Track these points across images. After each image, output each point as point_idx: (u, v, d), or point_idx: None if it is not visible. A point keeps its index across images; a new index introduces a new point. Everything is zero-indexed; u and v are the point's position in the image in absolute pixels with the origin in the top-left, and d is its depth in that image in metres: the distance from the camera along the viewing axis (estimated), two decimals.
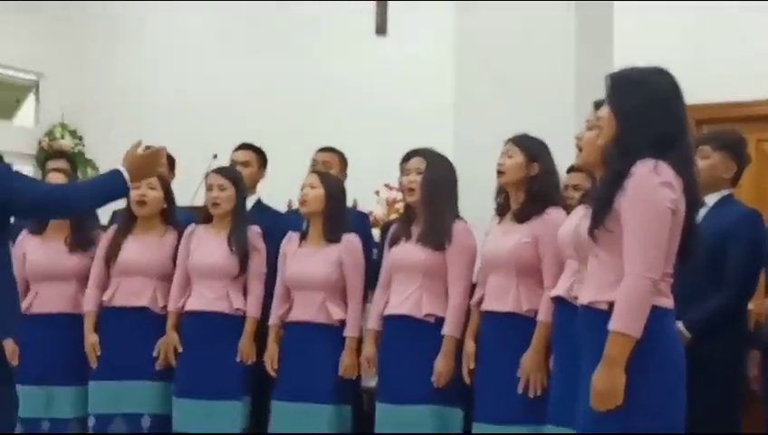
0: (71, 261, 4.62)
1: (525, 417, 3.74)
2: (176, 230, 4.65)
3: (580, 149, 3.21)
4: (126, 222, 4.64)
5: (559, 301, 3.56)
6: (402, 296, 4.13)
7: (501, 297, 3.86)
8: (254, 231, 4.57)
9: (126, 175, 3.06)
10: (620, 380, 2.65)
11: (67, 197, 2.90)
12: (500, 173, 3.94)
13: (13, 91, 8.90)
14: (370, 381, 4.63)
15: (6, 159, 8.75)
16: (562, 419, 3.42)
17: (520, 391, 3.76)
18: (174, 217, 4.70)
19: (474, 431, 3.88)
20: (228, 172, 4.64)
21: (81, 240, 4.64)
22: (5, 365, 2.91)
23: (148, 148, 3.40)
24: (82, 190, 2.93)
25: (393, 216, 5.91)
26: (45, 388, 4.52)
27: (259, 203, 5.17)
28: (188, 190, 5.67)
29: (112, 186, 3.01)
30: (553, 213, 3.82)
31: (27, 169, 8.46)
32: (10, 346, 3.30)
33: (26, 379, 4.38)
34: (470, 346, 4.00)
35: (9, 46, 8.35)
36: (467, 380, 3.96)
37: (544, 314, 3.73)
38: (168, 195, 4.68)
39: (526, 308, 3.82)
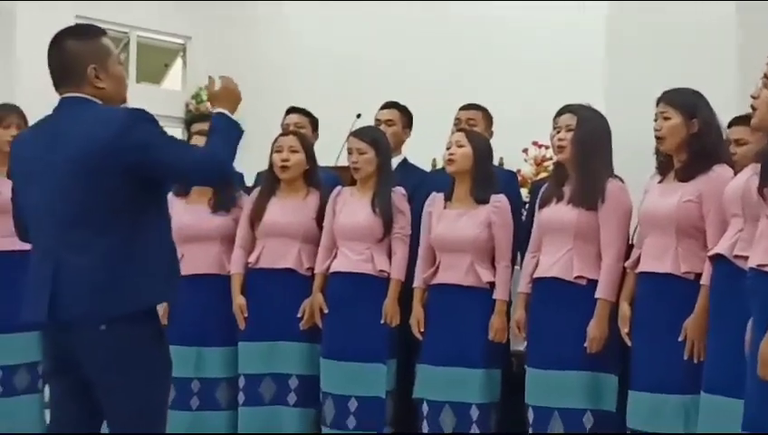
0: (214, 222, 4.64)
1: (685, 385, 3.55)
2: (318, 191, 4.63)
3: (753, 109, 2.97)
4: (269, 184, 4.64)
5: (718, 260, 3.33)
6: (553, 258, 3.98)
7: (659, 258, 3.65)
8: (399, 193, 4.50)
9: (227, 113, 2.98)
10: None
11: (214, 160, 2.84)
12: (659, 139, 3.71)
13: (161, 56, 9.10)
14: (519, 345, 4.51)
15: None
16: (719, 386, 3.25)
17: (685, 357, 3.55)
18: (316, 179, 4.67)
19: (630, 400, 3.71)
20: (367, 135, 4.55)
21: (223, 201, 4.66)
22: (160, 327, 2.92)
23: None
24: (221, 146, 2.87)
25: (542, 174, 5.74)
26: (195, 348, 4.58)
27: (405, 162, 5.08)
28: (333, 150, 5.64)
29: (233, 128, 2.95)
30: (720, 170, 3.57)
31: (176, 131, 8.66)
32: (161, 307, 3.34)
33: (176, 339, 4.45)
34: (625, 309, 3.82)
35: (157, 12, 8.53)
36: (628, 342, 3.78)
37: (708, 277, 3.50)
38: (310, 156, 4.65)
39: (684, 270, 3.60)
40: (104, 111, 2.83)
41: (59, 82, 2.88)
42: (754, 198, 2.62)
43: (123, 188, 2.76)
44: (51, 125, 2.88)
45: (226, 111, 2.95)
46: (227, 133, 2.91)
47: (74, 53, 2.85)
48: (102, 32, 2.97)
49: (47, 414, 4.46)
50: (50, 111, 2.92)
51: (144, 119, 2.80)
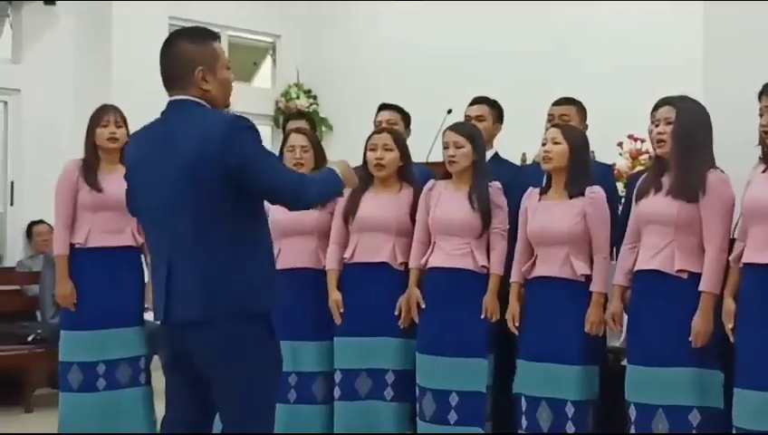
0: (310, 216, 4.66)
1: None
2: (411, 186, 4.64)
3: None
4: (364, 180, 4.64)
5: None
6: (652, 251, 3.91)
7: (763, 249, 3.56)
8: (496, 187, 4.47)
9: (341, 177, 3.07)
10: None
11: (303, 190, 2.91)
12: (767, 134, 3.61)
13: (251, 54, 9.20)
14: (616, 341, 4.44)
15: None
16: None
17: None
18: (410, 174, 4.68)
19: (736, 398, 3.62)
20: (464, 129, 4.54)
21: None
22: (270, 326, 2.97)
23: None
24: (316, 184, 2.95)
25: (638, 168, 5.63)
26: (291, 342, 4.60)
27: (496, 156, 5.05)
28: (424, 146, 5.63)
29: (336, 184, 3.03)
30: None
31: (266, 129, 8.76)
32: None
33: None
34: (730, 304, 3.73)
35: (247, 11, 8.62)
36: (732, 338, 3.69)
37: None
38: (404, 152, 4.66)
39: None
40: (210, 116, 2.89)
41: (168, 83, 2.95)
42: None
43: (227, 194, 2.82)
44: (160, 129, 2.95)
45: (339, 172, 3.05)
46: (330, 182, 3.02)
47: (185, 54, 2.91)
48: (214, 36, 3.04)
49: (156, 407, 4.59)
50: (143, 110, 3.00)
51: (247, 127, 2.86)
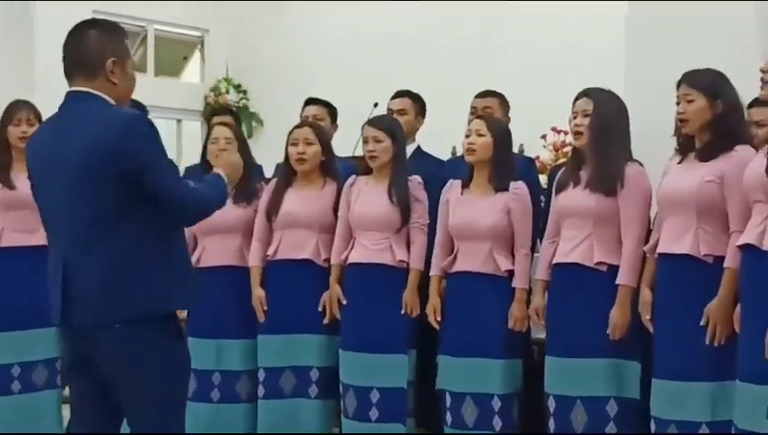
0: (235, 213, 4.59)
1: (709, 372, 3.48)
2: (335, 181, 4.60)
3: (763, 82, 2.90)
4: (286, 175, 4.60)
5: (748, 248, 3.27)
6: (571, 244, 3.92)
7: (677, 239, 3.58)
8: (416, 181, 4.45)
9: (226, 180, 3.07)
10: None
11: (184, 206, 2.86)
12: (682, 121, 3.63)
13: (180, 49, 9.08)
14: (540, 333, 4.45)
15: (175, 116, 9.02)
16: (753, 375, 3.18)
17: (707, 342, 3.49)
18: (333, 169, 4.64)
19: (653, 388, 3.64)
20: (383, 123, 4.51)
21: (245, 193, 4.62)
22: (176, 328, 2.91)
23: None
24: (198, 200, 2.92)
25: (561, 160, 5.65)
26: (215, 341, 4.56)
27: (419, 150, 5.04)
28: (352, 140, 5.59)
29: (218, 196, 3.03)
30: (742, 151, 3.50)
31: (195, 124, 8.66)
32: None
33: (198, 331, 4.49)
34: (646, 295, 3.76)
35: (176, 4, 8.51)
36: (650, 328, 3.72)
37: (732, 260, 3.43)
38: (326, 147, 4.62)
39: (704, 252, 3.53)
40: (109, 111, 2.81)
41: (73, 70, 2.85)
42: None
43: (126, 191, 2.74)
44: (59, 123, 2.87)
45: (222, 173, 3.08)
46: (212, 195, 3.00)
47: (97, 43, 2.84)
48: (125, 34, 2.97)
49: (65, 410, 4.50)
50: None
51: (146, 123, 2.80)
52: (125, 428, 2.93)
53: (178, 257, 2.91)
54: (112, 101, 2.84)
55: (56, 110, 2.92)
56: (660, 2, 4.94)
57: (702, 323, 3.50)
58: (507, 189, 4.21)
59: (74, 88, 2.85)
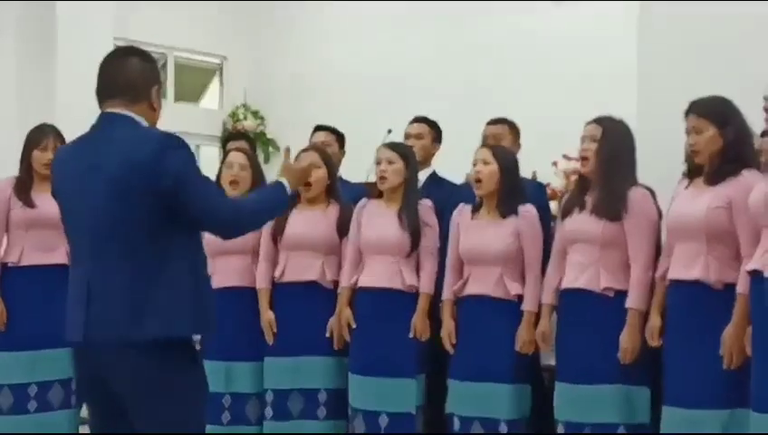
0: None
1: (721, 399, 3.48)
2: (338, 203, 4.62)
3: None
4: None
5: (755, 274, 3.27)
6: (578, 270, 3.94)
7: (688, 265, 3.59)
8: (426, 206, 4.46)
9: (287, 186, 3.01)
10: None
11: (237, 218, 2.84)
12: (695, 153, 3.64)
13: (199, 75, 9.16)
14: (550, 360, 4.45)
15: (194, 141, 9.07)
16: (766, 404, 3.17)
17: (724, 368, 3.47)
18: (336, 191, 4.67)
19: (664, 415, 3.64)
20: (397, 146, 4.55)
21: None
22: (193, 352, 2.86)
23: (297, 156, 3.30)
24: (253, 208, 2.91)
25: (571, 188, 5.66)
26: (225, 363, 4.57)
27: (434, 175, 5.07)
28: (365, 166, 5.63)
29: (278, 202, 3.00)
30: (749, 175, 3.52)
31: (213, 150, 8.71)
32: None
33: (208, 354, 4.47)
34: (655, 320, 3.76)
35: (195, 32, 8.61)
36: (655, 345, 3.72)
37: (744, 286, 3.43)
38: (331, 170, 4.65)
39: (715, 278, 3.54)
40: (144, 131, 2.82)
41: (112, 93, 2.84)
42: None
43: (155, 212, 2.72)
44: (91, 142, 2.85)
45: (287, 185, 2.99)
46: (272, 204, 2.98)
47: (142, 70, 2.86)
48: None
49: (83, 430, 4.52)
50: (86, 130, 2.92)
51: (182, 145, 2.78)
52: None
53: (203, 282, 2.88)
54: (146, 124, 2.86)
55: (75, 134, 2.93)
56: (672, 28, 4.96)
57: (720, 352, 3.48)
58: (516, 212, 4.22)
59: (110, 110, 2.84)
